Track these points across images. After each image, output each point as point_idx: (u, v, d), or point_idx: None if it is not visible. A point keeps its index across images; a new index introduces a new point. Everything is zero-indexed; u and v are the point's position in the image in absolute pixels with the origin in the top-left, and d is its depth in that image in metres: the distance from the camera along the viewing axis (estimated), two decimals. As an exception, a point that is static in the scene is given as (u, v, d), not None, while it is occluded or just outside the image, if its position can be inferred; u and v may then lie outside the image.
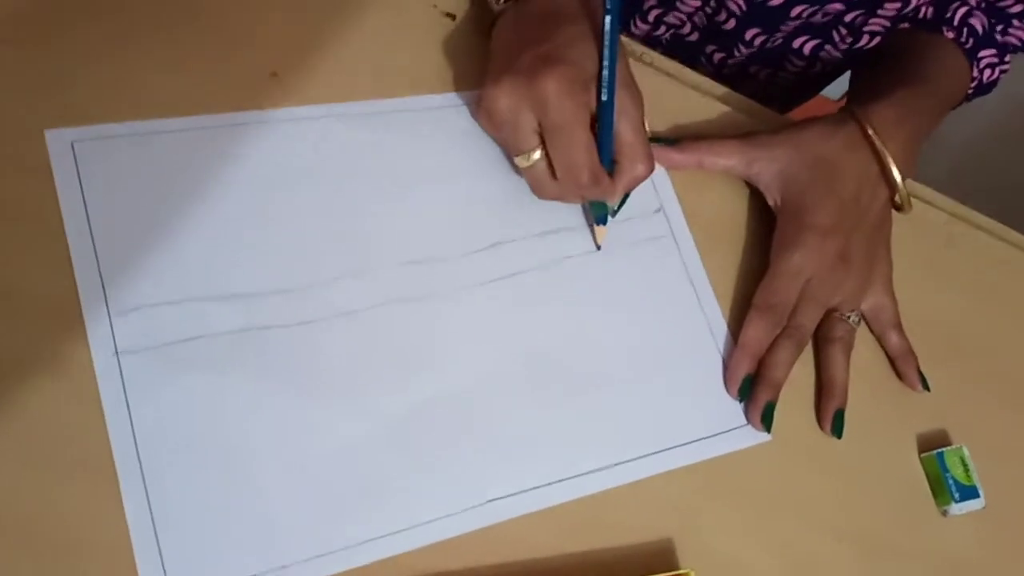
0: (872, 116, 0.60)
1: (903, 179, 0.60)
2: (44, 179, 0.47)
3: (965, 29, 0.70)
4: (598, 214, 0.56)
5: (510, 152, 0.54)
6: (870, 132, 0.59)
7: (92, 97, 0.49)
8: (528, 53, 0.51)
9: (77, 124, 0.48)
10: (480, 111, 0.54)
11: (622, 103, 0.52)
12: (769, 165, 0.59)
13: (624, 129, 0.53)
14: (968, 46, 0.70)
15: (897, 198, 0.61)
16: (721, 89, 0.66)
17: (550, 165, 0.53)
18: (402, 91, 0.56)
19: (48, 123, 0.48)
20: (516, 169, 0.55)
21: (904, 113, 0.61)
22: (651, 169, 0.54)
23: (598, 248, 0.56)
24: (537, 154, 0.52)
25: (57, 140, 0.48)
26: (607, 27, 0.51)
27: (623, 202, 0.56)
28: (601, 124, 0.52)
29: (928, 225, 0.68)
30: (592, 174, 0.52)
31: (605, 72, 0.51)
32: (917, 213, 0.67)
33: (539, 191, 0.55)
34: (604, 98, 0.52)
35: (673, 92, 0.64)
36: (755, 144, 0.60)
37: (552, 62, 0.50)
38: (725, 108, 0.65)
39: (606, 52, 0.51)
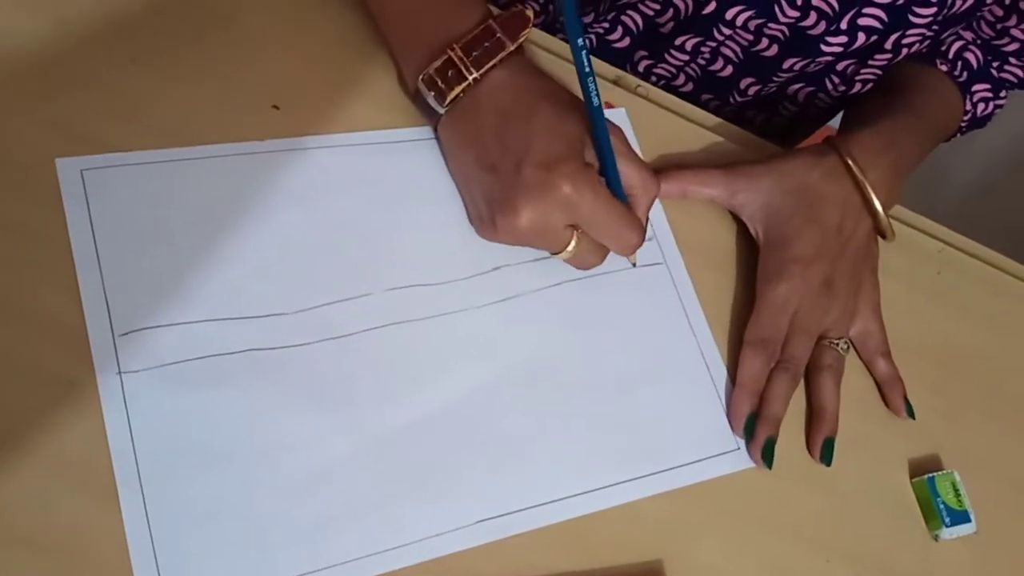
0: (852, 146, 0.61)
1: (884, 208, 0.61)
2: (54, 205, 0.49)
3: (959, 62, 0.71)
4: None
5: (547, 251, 0.55)
6: (849, 162, 0.60)
7: (101, 126, 0.51)
8: (524, 163, 0.51)
9: (86, 152, 0.50)
10: (499, 232, 0.53)
11: (613, 143, 0.54)
12: (752, 196, 0.61)
13: (625, 165, 0.54)
14: (962, 79, 0.71)
15: (880, 226, 0.62)
16: (713, 120, 0.67)
17: (589, 242, 0.54)
18: (401, 123, 0.57)
19: (58, 151, 0.50)
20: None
21: (886, 143, 0.62)
22: (659, 187, 0.56)
23: (634, 265, 0.58)
24: (574, 243, 0.53)
25: (67, 168, 0.50)
26: (584, 67, 0.52)
27: None
28: (606, 171, 0.54)
29: (920, 252, 0.68)
30: (638, 231, 0.54)
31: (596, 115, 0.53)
32: (909, 240, 0.68)
33: (586, 267, 0.56)
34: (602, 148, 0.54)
35: (666, 123, 0.66)
36: (738, 174, 0.61)
37: (554, 164, 0.51)
38: (718, 138, 0.66)
39: (591, 87, 0.53)
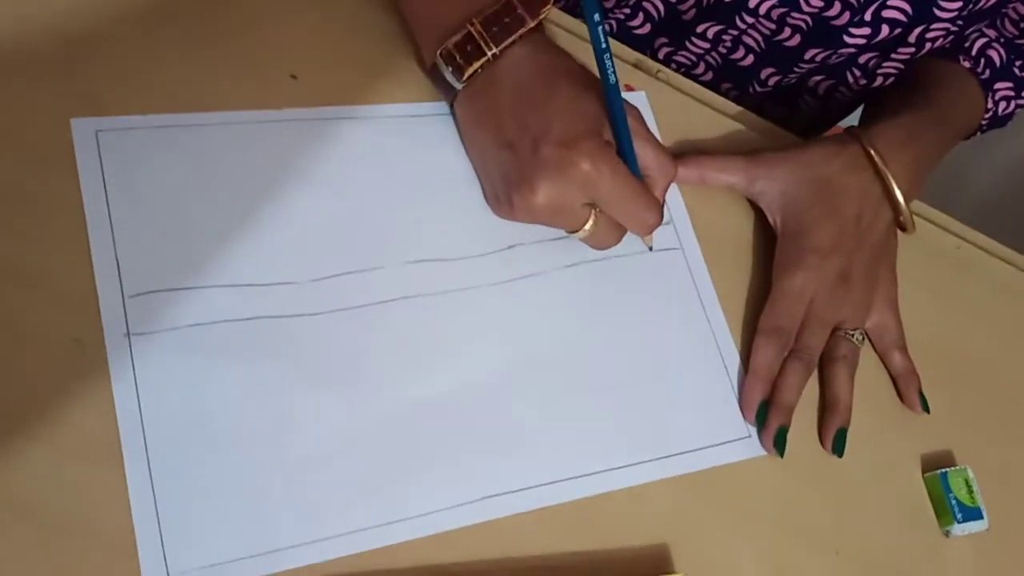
0: (875, 137, 0.60)
1: (905, 201, 0.60)
2: (68, 165, 0.48)
3: (982, 60, 0.70)
4: None
5: (564, 230, 0.55)
6: (872, 153, 0.60)
7: (117, 89, 0.51)
8: (542, 141, 0.51)
9: (101, 114, 0.50)
10: (517, 211, 0.52)
11: (630, 125, 0.53)
12: (771, 184, 0.60)
13: (641, 146, 0.54)
14: (984, 76, 0.70)
15: (901, 218, 0.61)
16: (734, 108, 0.67)
17: (607, 222, 0.53)
18: (420, 97, 0.57)
19: (73, 112, 0.49)
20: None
21: (909, 135, 0.61)
22: (676, 168, 0.56)
23: (651, 249, 0.58)
24: (591, 221, 0.53)
25: (82, 129, 0.49)
26: (600, 42, 0.52)
27: None
28: (622, 150, 0.53)
29: (938, 249, 0.68)
30: (657, 211, 0.53)
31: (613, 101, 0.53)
32: (927, 237, 0.68)
33: (603, 246, 0.55)
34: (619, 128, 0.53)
35: (686, 109, 0.65)
36: (758, 162, 0.61)
37: (573, 142, 0.50)
38: (738, 126, 0.66)
39: (608, 64, 0.52)
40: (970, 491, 0.57)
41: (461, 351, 0.51)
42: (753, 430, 0.55)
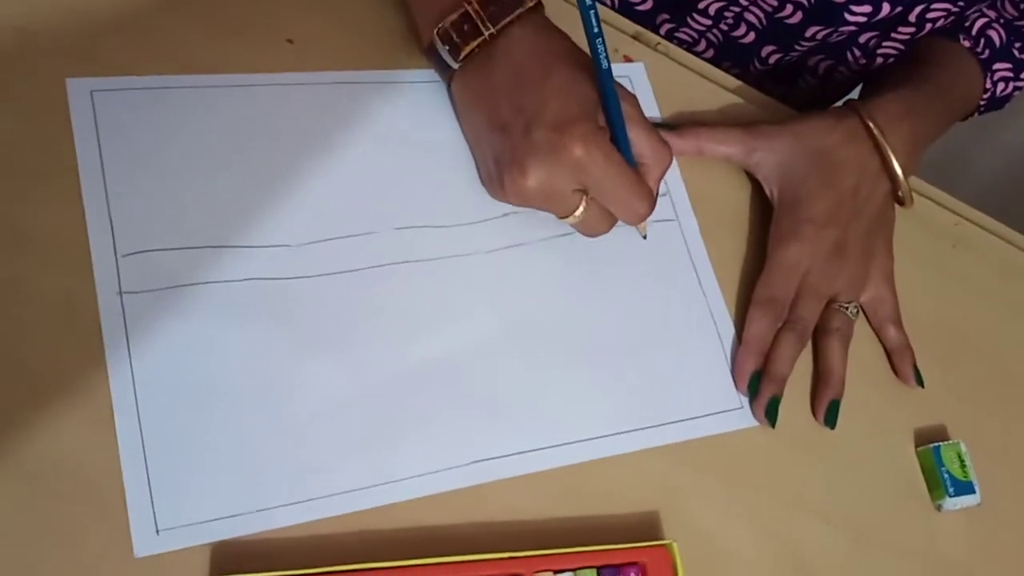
0: (874, 110, 0.60)
1: (904, 174, 0.60)
2: (63, 125, 0.48)
3: (982, 40, 0.70)
4: None
5: (554, 215, 0.54)
6: (871, 126, 0.59)
7: (114, 49, 0.51)
8: (535, 124, 0.50)
9: (97, 74, 0.50)
10: (508, 193, 0.52)
11: (625, 111, 0.53)
12: (768, 156, 0.60)
13: (636, 133, 0.53)
14: (984, 56, 0.70)
15: (899, 192, 0.61)
16: (733, 82, 0.67)
17: (597, 209, 0.53)
18: (418, 63, 0.57)
19: (70, 71, 0.49)
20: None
21: (908, 109, 0.61)
22: (671, 156, 0.54)
23: (644, 238, 0.57)
24: (582, 207, 0.52)
25: (78, 88, 0.49)
26: (593, 25, 0.51)
27: None
28: (616, 136, 0.52)
29: (935, 226, 0.68)
30: (648, 200, 0.52)
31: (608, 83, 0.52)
32: (925, 213, 0.68)
33: (593, 234, 0.54)
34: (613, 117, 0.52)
35: (686, 81, 0.65)
36: (756, 134, 0.60)
37: (566, 126, 0.50)
38: (736, 100, 0.66)
39: (600, 49, 0.51)
40: (963, 465, 0.57)
41: (454, 317, 0.51)
42: (746, 401, 0.55)
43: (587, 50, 0.53)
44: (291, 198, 0.51)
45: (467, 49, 0.52)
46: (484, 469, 0.49)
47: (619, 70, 0.62)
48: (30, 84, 0.49)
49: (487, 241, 0.54)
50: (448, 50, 0.53)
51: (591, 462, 0.51)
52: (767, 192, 0.60)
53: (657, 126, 0.60)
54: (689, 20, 0.74)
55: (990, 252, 0.68)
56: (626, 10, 0.74)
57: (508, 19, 0.52)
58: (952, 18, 0.68)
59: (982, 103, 0.71)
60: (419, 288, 0.51)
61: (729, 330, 0.57)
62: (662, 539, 0.50)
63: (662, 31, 0.76)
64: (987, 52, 0.70)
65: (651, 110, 0.62)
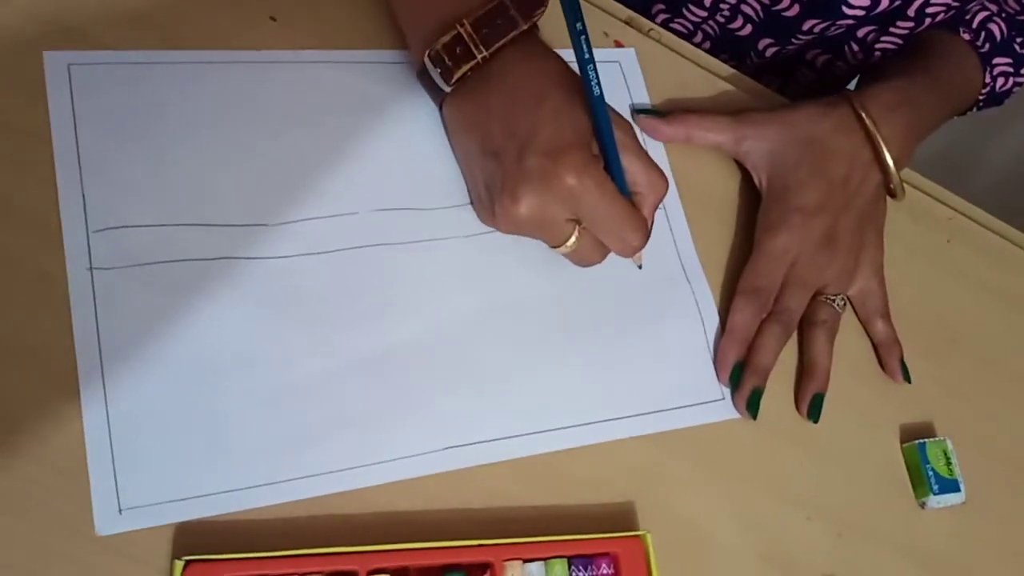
0: (866, 99, 0.59)
1: (896, 166, 0.59)
2: (38, 97, 0.48)
3: (983, 33, 0.69)
4: None
5: (545, 243, 0.52)
6: (863, 115, 0.58)
7: (93, 22, 0.50)
8: (527, 151, 0.48)
9: (75, 47, 0.49)
10: (498, 220, 0.50)
11: (619, 137, 0.51)
12: (758, 144, 0.59)
13: (631, 161, 0.51)
14: (984, 50, 0.69)
15: (891, 184, 0.60)
16: (726, 70, 0.66)
17: (590, 239, 0.51)
18: (402, 44, 0.56)
19: (46, 44, 0.49)
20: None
21: (902, 99, 0.60)
22: (667, 186, 0.53)
23: (640, 268, 0.55)
24: (574, 237, 0.51)
25: (54, 61, 0.49)
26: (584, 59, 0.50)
27: None
28: (609, 164, 0.51)
29: (930, 220, 0.67)
30: (642, 233, 0.51)
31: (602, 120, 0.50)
32: (919, 207, 0.67)
33: (585, 264, 0.53)
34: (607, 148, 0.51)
35: (677, 68, 0.64)
36: (746, 122, 0.59)
37: (559, 154, 0.48)
38: (728, 87, 0.65)
39: (591, 75, 0.50)
40: (948, 463, 0.56)
41: (432, 301, 0.51)
42: (727, 392, 0.55)
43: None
44: (269, 177, 0.50)
45: (459, 72, 0.50)
46: (460, 455, 0.48)
47: (609, 55, 0.62)
48: (6, 56, 0.48)
49: (467, 225, 0.53)
50: (440, 73, 0.51)
51: (569, 450, 0.50)
52: (756, 180, 0.59)
53: (646, 112, 0.60)
54: (685, 11, 0.73)
55: (985, 247, 0.67)
56: None
57: (502, 42, 0.50)
58: (952, 12, 0.67)
59: (981, 98, 0.70)
60: (397, 270, 0.51)
61: (714, 320, 0.56)
62: (639, 529, 0.49)
63: (657, 21, 0.75)
64: (987, 46, 0.69)
65: (641, 96, 0.61)
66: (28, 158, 0.47)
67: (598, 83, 0.50)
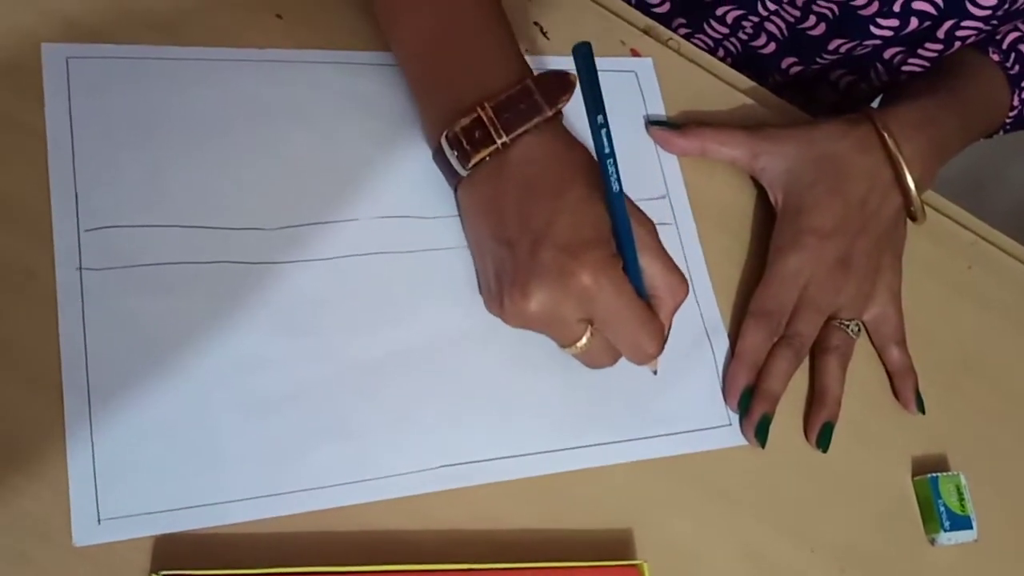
0: (889, 119, 0.57)
1: (917, 188, 0.57)
2: (35, 89, 0.46)
3: (1013, 54, 0.67)
4: None
5: (554, 341, 0.49)
6: (884, 134, 0.56)
7: (93, 15, 0.49)
8: (542, 244, 0.46)
9: (75, 40, 0.48)
10: (506, 314, 0.47)
11: (639, 236, 0.48)
12: (775, 160, 0.57)
13: (650, 263, 0.48)
14: (1013, 72, 0.67)
15: (911, 207, 0.58)
16: (746, 82, 0.64)
17: (602, 341, 0.48)
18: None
19: (45, 36, 0.48)
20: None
21: (926, 118, 0.58)
22: (687, 290, 0.49)
23: (655, 373, 0.51)
24: (586, 338, 0.48)
25: (52, 54, 0.47)
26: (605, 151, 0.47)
27: None
28: (626, 264, 0.47)
29: (952, 243, 0.65)
30: (658, 341, 0.48)
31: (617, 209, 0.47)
32: (941, 230, 0.65)
33: (596, 366, 0.50)
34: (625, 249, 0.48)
35: (695, 79, 0.62)
36: (763, 137, 0.58)
37: (576, 250, 0.45)
38: (748, 101, 0.63)
39: (611, 171, 0.47)
40: (961, 499, 0.54)
41: (431, 313, 0.49)
42: (735, 418, 0.53)
43: None
44: (268, 180, 0.49)
45: (477, 157, 0.48)
46: (455, 474, 0.46)
47: (625, 64, 0.60)
48: (3, 46, 0.47)
49: (471, 235, 0.52)
50: (456, 156, 0.48)
51: (568, 472, 0.48)
52: (771, 199, 0.57)
53: (661, 124, 0.58)
54: (706, 26, 0.71)
55: (1008, 275, 0.65)
56: (643, 10, 0.71)
57: (524, 128, 0.47)
58: (983, 36, 0.65)
59: (1008, 121, 0.68)
60: (396, 280, 0.49)
61: (722, 343, 0.55)
62: (636, 558, 0.47)
63: (679, 34, 0.73)
64: (1017, 67, 0.67)
65: (656, 107, 0.59)
66: (21, 152, 0.45)
67: (618, 179, 0.47)
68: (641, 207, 0.53)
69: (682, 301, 0.49)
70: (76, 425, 0.41)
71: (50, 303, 0.43)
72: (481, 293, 0.51)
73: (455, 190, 0.51)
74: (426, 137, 0.52)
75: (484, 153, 0.48)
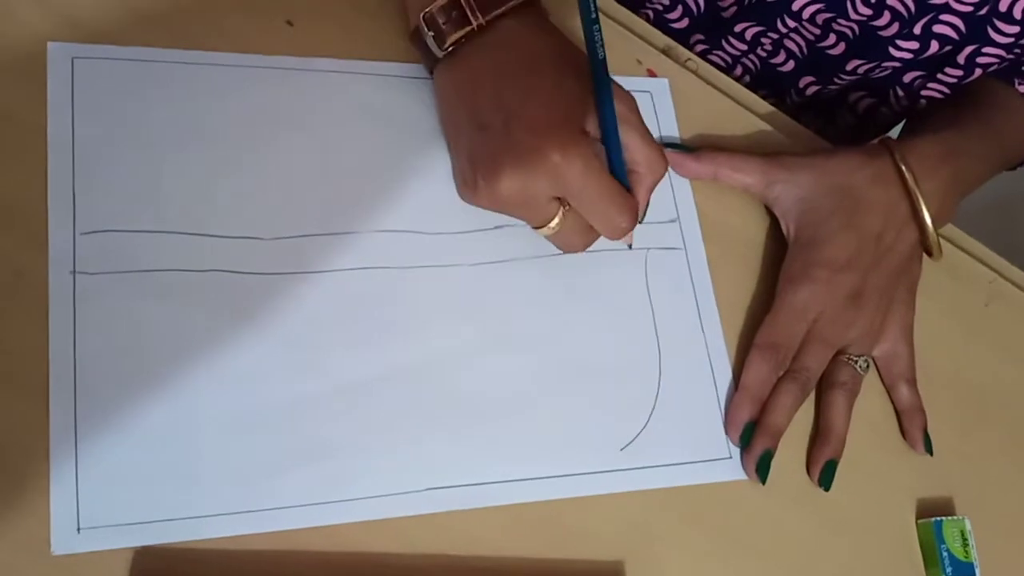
0: (908, 151, 0.56)
1: (935, 223, 0.55)
2: (38, 88, 0.46)
3: None
4: None
5: (528, 224, 0.50)
6: (903, 168, 0.55)
7: (101, 15, 0.48)
8: (515, 125, 0.46)
9: (81, 40, 0.48)
10: (479, 196, 0.48)
11: (620, 112, 0.49)
12: (789, 189, 0.56)
13: (630, 137, 0.49)
14: None
15: (927, 242, 0.56)
16: (764, 107, 0.63)
17: (575, 221, 0.49)
18: (419, 57, 0.54)
19: (52, 34, 0.47)
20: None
21: (947, 151, 0.57)
22: (666, 166, 0.50)
23: (629, 247, 0.52)
24: (558, 219, 0.48)
25: (58, 53, 0.47)
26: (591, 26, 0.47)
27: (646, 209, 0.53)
28: (606, 138, 0.48)
29: (969, 280, 0.63)
30: (631, 215, 0.48)
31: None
32: (959, 266, 0.63)
33: (570, 248, 0.51)
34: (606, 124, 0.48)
35: (712, 102, 0.61)
36: (778, 165, 0.56)
37: (546, 129, 0.46)
38: (765, 127, 0.61)
39: (595, 36, 0.47)
40: (965, 544, 0.52)
41: (425, 331, 0.48)
42: (736, 451, 0.51)
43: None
44: (269, 189, 0.48)
45: (452, 38, 0.48)
46: (443, 497, 0.46)
47: (640, 84, 0.59)
48: (9, 44, 0.46)
49: (473, 254, 0.51)
50: (433, 37, 0.49)
51: (560, 500, 0.47)
52: (784, 228, 0.56)
53: (674, 147, 0.57)
54: (724, 43, 0.70)
55: (1024, 312, 0.64)
56: (661, 25, 0.70)
57: (500, 10, 0.48)
58: (1005, 64, 0.64)
59: None
60: (392, 296, 0.48)
61: (726, 374, 0.53)
62: (625, 591, 0.46)
63: (695, 53, 0.72)
64: None
65: (670, 129, 0.58)
66: (20, 150, 0.45)
67: (602, 46, 0.47)
68: (652, 229, 0.52)
69: (661, 176, 0.50)
70: (61, 431, 0.41)
71: (41, 306, 0.42)
72: (455, 181, 0.51)
73: (431, 74, 0.52)
74: (409, 18, 0.52)
75: (460, 34, 0.48)
